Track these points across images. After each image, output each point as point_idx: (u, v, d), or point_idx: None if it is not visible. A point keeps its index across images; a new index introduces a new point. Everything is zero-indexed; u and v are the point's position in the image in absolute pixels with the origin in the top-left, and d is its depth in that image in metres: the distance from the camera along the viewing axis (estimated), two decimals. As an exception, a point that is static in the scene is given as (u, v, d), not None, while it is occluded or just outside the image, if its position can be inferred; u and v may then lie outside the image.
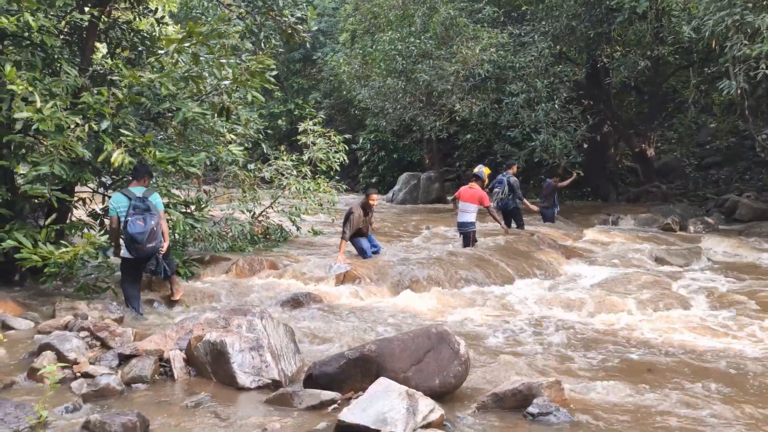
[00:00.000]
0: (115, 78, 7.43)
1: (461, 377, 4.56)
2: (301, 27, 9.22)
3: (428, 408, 3.80)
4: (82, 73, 7.20)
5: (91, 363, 4.84)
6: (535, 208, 12.16)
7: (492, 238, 10.94)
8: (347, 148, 12.53)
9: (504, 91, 16.67)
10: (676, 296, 7.75)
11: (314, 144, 11.97)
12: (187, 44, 7.07)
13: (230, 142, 9.55)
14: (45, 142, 6.74)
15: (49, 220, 6.59)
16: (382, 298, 7.80)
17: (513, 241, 10.50)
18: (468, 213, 10.20)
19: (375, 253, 9.34)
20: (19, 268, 7.34)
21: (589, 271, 9.48)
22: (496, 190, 11.78)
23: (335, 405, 4.20)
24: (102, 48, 9.39)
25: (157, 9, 9.64)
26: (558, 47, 16.72)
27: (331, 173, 12.05)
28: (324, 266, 8.59)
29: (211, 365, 4.79)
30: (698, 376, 5.03)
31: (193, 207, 8.74)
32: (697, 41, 13.04)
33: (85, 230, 7.83)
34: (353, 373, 4.44)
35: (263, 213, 11.71)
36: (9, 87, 6.07)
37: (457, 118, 18.11)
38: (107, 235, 6.85)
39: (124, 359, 4.92)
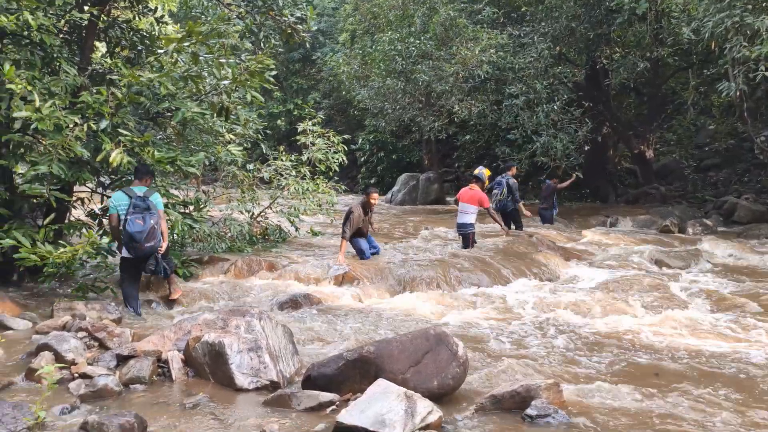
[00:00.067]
0: (114, 77, 7.42)
1: (459, 379, 4.55)
2: (300, 27, 9.21)
3: (426, 410, 3.80)
4: (81, 72, 7.19)
5: (89, 364, 4.84)
6: (528, 213, 12.18)
7: (491, 240, 10.93)
8: (346, 149, 12.52)
9: (503, 93, 16.67)
10: (677, 299, 7.75)
11: (313, 144, 11.97)
12: (186, 44, 7.06)
13: (229, 142, 9.55)
14: (44, 142, 6.72)
15: (47, 220, 6.58)
16: (381, 300, 7.79)
17: (512, 242, 10.50)
18: (467, 214, 10.21)
19: (374, 254, 9.34)
20: (17, 268, 7.33)
21: (588, 272, 9.48)
22: (495, 191, 11.79)
23: (334, 406, 4.19)
24: (101, 47, 9.38)
25: (156, 8, 9.63)
26: (557, 48, 16.72)
27: (330, 174, 12.04)
28: (323, 267, 8.58)
29: (209, 366, 4.79)
30: (704, 380, 5.00)
31: (191, 207, 8.73)
32: (696, 43, 13.05)
33: (85, 230, 7.83)
34: (352, 374, 4.43)
35: (262, 213, 11.70)
36: (8, 86, 6.06)
37: (455, 119, 18.10)
38: (107, 237, 6.86)
39: (122, 360, 4.91)
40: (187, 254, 8.94)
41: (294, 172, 11.78)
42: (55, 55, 7.42)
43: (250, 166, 11.58)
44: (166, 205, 7.59)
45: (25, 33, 7.23)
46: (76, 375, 4.65)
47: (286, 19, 9.07)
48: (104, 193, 8.44)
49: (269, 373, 4.69)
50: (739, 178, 19.07)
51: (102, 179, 8.50)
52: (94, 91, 6.78)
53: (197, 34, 7.02)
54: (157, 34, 9.21)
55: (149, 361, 4.81)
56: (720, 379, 5.00)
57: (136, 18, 9.03)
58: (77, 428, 3.72)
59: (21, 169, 7.33)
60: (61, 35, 8.04)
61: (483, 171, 10.84)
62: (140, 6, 8.90)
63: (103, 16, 8.01)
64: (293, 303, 7.19)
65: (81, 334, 5.34)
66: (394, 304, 7.51)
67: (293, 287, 7.89)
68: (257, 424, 3.93)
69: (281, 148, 13.04)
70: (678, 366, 5.35)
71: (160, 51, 8.15)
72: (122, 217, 6.51)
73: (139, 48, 8.84)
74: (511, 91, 16.16)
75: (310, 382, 4.52)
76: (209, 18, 9.02)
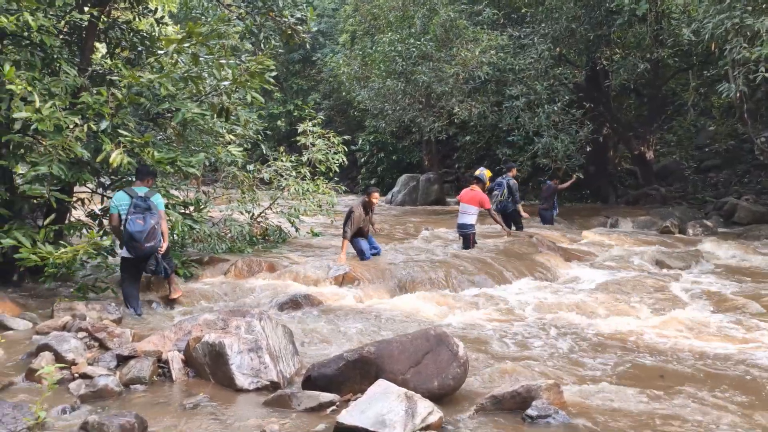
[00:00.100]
0: (114, 78, 7.42)
1: (460, 379, 4.55)
2: (300, 28, 9.21)
3: (427, 410, 3.80)
4: (82, 73, 7.20)
5: (89, 364, 4.84)
6: (526, 214, 12.19)
7: (492, 240, 10.94)
8: (346, 150, 12.52)
9: (504, 94, 16.67)
10: (679, 300, 7.74)
11: (313, 145, 11.97)
12: (186, 44, 7.07)
13: (229, 143, 9.56)
14: (44, 142, 6.73)
15: (47, 221, 6.59)
16: (381, 300, 7.79)
17: (512, 243, 10.50)
18: (468, 215, 10.22)
19: (374, 254, 9.33)
20: (17, 269, 7.34)
21: (589, 273, 9.47)
22: (495, 192, 11.80)
23: (334, 407, 4.19)
24: (101, 48, 9.39)
25: (156, 9, 9.63)
26: (558, 49, 16.72)
27: (330, 174, 12.05)
28: (323, 268, 8.58)
29: (209, 366, 4.79)
30: (708, 382, 4.97)
31: (192, 208, 8.74)
32: (696, 44, 13.04)
33: (86, 231, 7.83)
34: (352, 374, 4.43)
35: (262, 214, 11.70)
36: (8, 87, 6.07)
37: (455, 120, 18.10)
38: (108, 237, 6.88)
39: (122, 360, 4.91)
40: (188, 255, 8.95)
41: (294, 173, 11.78)
42: (55, 56, 7.43)
43: (251, 167, 11.58)
44: (166, 206, 7.60)
45: (26, 34, 7.23)
46: (77, 375, 4.65)
47: (286, 20, 9.07)
48: (104, 193, 8.44)
49: (269, 374, 4.69)
50: (739, 179, 19.07)
51: (102, 180, 8.50)
52: (95, 91, 6.79)
53: (197, 35, 7.03)
54: (157, 35, 9.22)
55: (149, 361, 4.81)
56: (724, 381, 4.98)
57: (137, 19, 9.03)
58: (77, 428, 3.72)
59: (21, 169, 7.34)
60: (61, 36, 8.05)
61: (484, 172, 10.85)
62: (140, 7, 8.91)
63: (103, 17, 8.02)
64: (293, 303, 7.19)
65: (81, 334, 5.34)
66: (394, 305, 7.51)
67: (293, 288, 7.89)
68: (257, 425, 3.93)
69: (281, 148, 13.05)
70: (682, 367, 5.33)
71: (160, 52, 8.16)
72: (123, 217, 6.53)
73: (139, 49, 8.85)
74: (511, 93, 16.16)
75: (311, 382, 4.52)
76: (209, 19, 9.02)
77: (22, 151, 7.22)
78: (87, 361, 4.90)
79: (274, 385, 4.63)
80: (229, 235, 10.18)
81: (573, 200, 19.81)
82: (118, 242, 7.11)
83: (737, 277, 9.28)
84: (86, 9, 7.42)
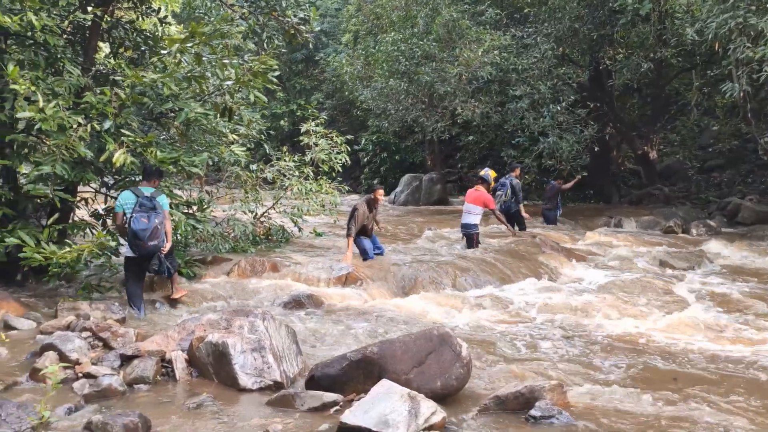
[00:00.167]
0: (117, 78, 7.43)
1: (463, 379, 4.55)
2: (303, 27, 9.21)
3: (430, 410, 3.80)
4: (85, 72, 7.20)
5: (93, 363, 4.85)
6: (527, 215, 12.19)
7: (495, 240, 10.93)
8: (349, 149, 12.52)
9: (507, 94, 16.64)
10: (685, 300, 7.72)
11: (316, 145, 11.97)
12: (189, 44, 7.07)
13: (232, 143, 9.55)
14: (47, 142, 6.73)
15: (51, 220, 6.61)
16: (384, 300, 7.78)
17: (516, 243, 10.49)
18: (472, 215, 10.24)
19: (378, 254, 9.33)
20: (21, 268, 7.34)
21: (593, 274, 9.46)
22: (498, 192, 11.80)
23: (337, 407, 4.19)
24: (105, 48, 9.39)
25: (159, 9, 9.64)
26: (561, 49, 16.69)
27: (333, 174, 12.04)
28: (326, 268, 8.57)
29: (213, 366, 4.79)
30: (718, 384, 4.93)
31: (195, 207, 8.74)
32: (700, 44, 13.01)
33: (89, 230, 7.85)
34: (355, 374, 4.43)
35: (265, 214, 11.70)
36: (12, 86, 6.07)
37: (458, 120, 18.08)
38: (112, 237, 6.90)
39: (126, 360, 4.92)
40: (191, 254, 8.95)
41: (297, 173, 11.78)
42: (58, 56, 7.43)
43: (254, 167, 11.58)
44: (169, 205, 7.61)
45: (29, 33, 7.23)
46: (80, 375, 4.66)
47: (289, 19, 9.07)
48: (108, 193, 8.46)
49: (273, 374, 4.69)
50: (742, 179, 19.02)
51: (106, 179, 8.51)
52: (98, 91, 6.79)
53: (200, 35, 7.03)
54: (160, 34, 9.22)
55: (153, 361, 4.82)
56: (734, 383, 4.95)
57: (140, 19, 9.04)
58: (81, 428, 3.73)
59: (25, 169, 7.36)
60: (64, 36, 8.05)
61: (489, 172, 10.86)
62: (143, 7, 8.91)
63: (106, 16, 8.02)
64: (296, 303, 7.19)
65: (85, 334, 5.35)
66: (397, 305, 7.51)
67: (296, 288, 7.89)
68: (261, 424, 3.93)
69: (284, 148, 13.04)
70: (690, 369, 5.31)
71: (163, 52, 8.15)
72: (128, 215, 6.58)
73: (142, 49, 8.85)
74: (515, 93, 16.13)
75: (314, 382, 4.52)
76: (212, 19, 9.02)
77: (26, 150, 7.23)
78: (91, 360, 4.91)
79: (277, 385, 4.63)
80: (233, 234, 10.19)
81: (576, 200, 19.78)
82: (122, 242, 7.13)
83: (742, 278, 9.25)
84: (90, 9, 7.42)
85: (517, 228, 11.90)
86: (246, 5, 9.14)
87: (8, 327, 5.99)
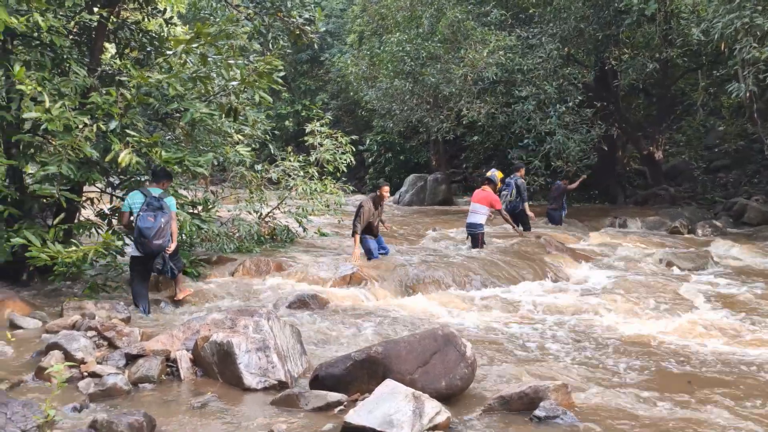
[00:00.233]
0: (123, 78, 7.45)
1: (468, 379, 4.55)
2: (308, 28, 9.22)
3: (434, 410, 3.80)
4: (91, 73, 7.23)
5: (98, 362, 4.86)
6: (532, 214, 12.18)
7: (501, 241, 10.92)
8: (354, 150, 12.52)
9: (513, 95, 16.62)
10: (692, 301, 7.67)
11: (321, 145, 11.98)
12: (195, 45, 7.09)
13: (238, 143, 9.57)
14: (53, 142, 6.77)
15: (57, 220, 6.63)
16: (389, 300, 7.78)
17: (521, 243, 10.47)
18: (478, 214, 10.24)
19: (383, 254, 9.33)
20: (27, 268, 7.39)
21: (598, 274, 9.43)
22: (504, 192, 11.79)
23: (341, 406, 4.19)
24: (111, 48, 9.43)
25: (165, 9, 9.66)
26: (566, 49, 16.65)
27: (338, 174, 12.05)
28: (331, 267, 8.58)
29: (217, 366, 4.80)
30: (728, 386, 4.88)
31: (200, 207, 8.77)
32: (706, 44, 12.97)
33: (101, 230, 7.89)
34: (359, 374, 4.43)
35: (270, 214, 11.72)
36: (18, 87, 6.10)
37: (464, 121, 18.06)
38: (118, 237, 6.94)
39: (131, 359, 4.94)
40: (196, 254, 8.98)
41: (302, 173, 11.79)
42: (65, 57, 7.47)
43: (259, 167, 11.60)
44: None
45: (36, 34, 7.27)
46: (86, 374, 4.68)
47: (294, 20, 9.08)
48: (113, 193, 8.49)
49: (277, 373, 4.70)
50: (749, 179, 18.95)
51: (111, 179, 8.55)
52: (104, 92, 6.82)
53: (206, 36, 7.05)
54: (166, 35, 9.25)
55: (158, 360, 4.83)
56: (745, 386, 4.90)
57: (146, 19, 9.07)
58: (86, 427, 3.74)
59: (31, 169, 7.39)
60: (71, 36, 8.08)
61: (495, 173, 10.87)
62: (149, 7, 8.94)
63: (112, 17, 8.05)
64: (301, 303, 7.20)
65: (90, 333, 5.37)
66: (402, 305, 7.51)
67: (301, 287, 7.90)
68: (265, 424, 3.94)
69: (289, 148, 13.06)
70: (698, 371, 5.27)
71: (169, 52, 8.19)
72: (135, 214, 6.67)
73: (148, 49, 8.88)
74: (521, 94, 16.10)
75: (318, 382, 4.52)
76: (218, 19, 9.04)
77: (32, 150, 7.26)
78: (96, 359, 4.92)
79: (281, 385, 4.64)
80: (237, 234, 10.21)
81: (581, 200, 19.73)
82: (127, 241, 7.17)
83: (750, 279, 9.18)
84: (96, 9, 7.45)
85: (521, 228, 11.89)
86: (251, 6, 9.15)
87: (14, 326, 6.02)
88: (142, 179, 7.81)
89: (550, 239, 10.87)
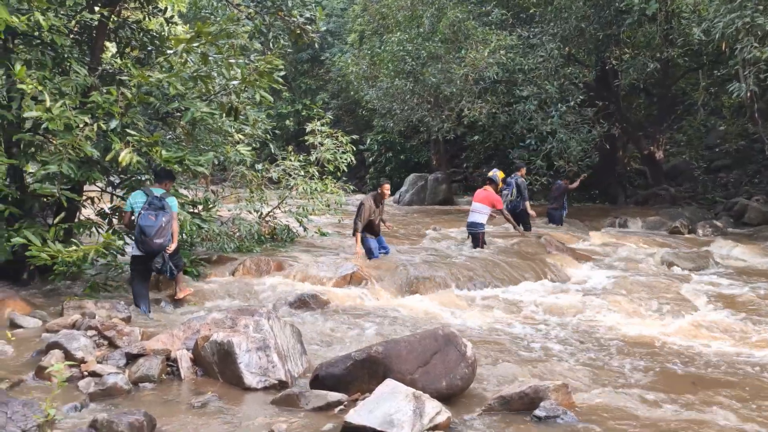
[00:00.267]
0: (124, 77, 7.45)
1: (468, 379, 4.55)
2: (309, 27, 9.21)
3: (435, 410, 3.80)
4: (92, 72, 7.22)
5: (98, 362, 4.86)
6: (533, 213, 12.17)
7: (502, 241, 10.91)
8: (354, 149, 12.51)
9: (514, 94, 16.60)
10: (693, 301, 7.67)
11: (322, 144, 11.96)
12: (196, 44, 7.09)
13: (238, 142, 9.56)
14: (54, 141, 6.76)
15: (57, 219, 6.64)
16: (389, 300, 7.78)
17: (522, 243, 10.47)
18: (479, 214, 10.25)
19: (383, 254, 9.33)
20: (27, 267, 7.38)
21: (599, 274, 9.42)
22: (505, 192, 11.80)
23: (342, 406, 4.19)
24: (111, 47, 9.42)
25: (166, 9, 9.65)
26: (567, 49, 16.64)
27: (339, 174, 12.04)
28: (331, 267, 8.58)
29: (218, 365, 4.80)
30: (729, 387, 4.87)
31: (200, 207, 8.76)
32: (706, 43, 12.95)
33: (101, 229, 7.89)
34: (360, 374, 4.43)
35: (270, 213, 11.71)
36: (19, 86, 6.10)
37: (464, 121, 18.05)
38: (118, 236, 6.95)
39: (131, 358, 4.93)
40: (196, 253, 8.98)
41: (302, 172, 11.78)
42: (65, 56, 7.46)
43: (259, 166, 11.59)
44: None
45: (36, 33, 7.26)
46: (86, 373, 4.67)
47: (295, 19, 9.08)
48: (114, 192, 8.49)
49: (277, 373, 4.70)
50: (749, 179, 18.93)
51: (112, 179, 8.55)
52: (104, 91, 6.81)
53: (206, 35, 7.05)
54: (166, 34, 9.24)
55: (158, 359, 4.83)
56: (747, 387, 4.89)
57: (146, 18, 9.06)
58: (87, 426, 3.74)
59: (32, 168, 7.39)
60: (71, 36, 8.08)
61: (497, 173, 10.88)
62: (150, 7, 8.93)
63: (113, 16, 8.05)
64: (301, 303, 7.20)
65: (91, 332, 5.37)
66: (402, 304, 7.51)
67: (301, 287, 7.90)
68: (265, 423, 3.93)
69: (290, 148, 13.04)
70: (702, 372, 5.26)
71: (169, 51, 8.18)
72: (136, 213, 6.69)
73: (148, 48, 8.87)
74: (522, 93, 16.09)
75: (319, 381, 4.52)
76: (218, 18, 9.04)
77: (33, 149, 7.25)
78: (96, 359, 4.92)
79: (282, 384, 4.64)
80: (238, 234, 10.20)
81: (582, 200, 19.72)
82: (128, 241, 7.17)
83: (752, 279, 9.18)
84: (96, 9, 7.44)
85: (521, 227, 11.89)
86: (252, 5, 9.14)
87: (14, 325, 6.01)
88: (143, 178, 7.81)
89: (551, 239, 10.87)
